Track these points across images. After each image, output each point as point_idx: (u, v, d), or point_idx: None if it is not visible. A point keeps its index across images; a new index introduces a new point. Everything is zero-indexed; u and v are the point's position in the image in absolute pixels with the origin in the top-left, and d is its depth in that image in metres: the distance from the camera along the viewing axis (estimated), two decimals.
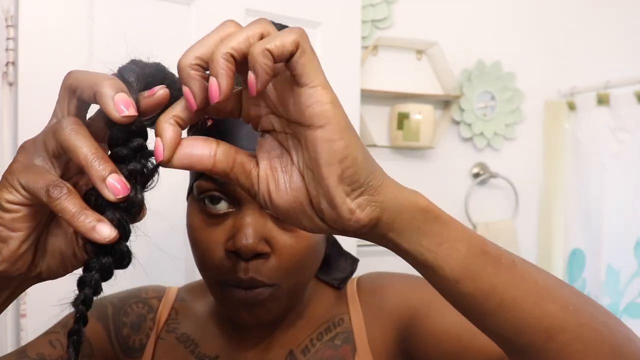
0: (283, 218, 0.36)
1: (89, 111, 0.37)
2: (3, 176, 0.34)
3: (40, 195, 0.32)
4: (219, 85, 0.30)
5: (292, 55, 0.30)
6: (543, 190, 1.71)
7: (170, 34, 1.07)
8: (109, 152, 0.34)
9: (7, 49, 0.96)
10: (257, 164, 0.35)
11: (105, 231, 0.32)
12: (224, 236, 0.51)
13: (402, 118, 1.47)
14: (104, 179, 0.32)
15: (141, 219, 0.36)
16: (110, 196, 0.32)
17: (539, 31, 1.70)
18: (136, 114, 0.32)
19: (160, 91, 0.34)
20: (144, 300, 0.64)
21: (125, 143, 0.33)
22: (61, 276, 0.40)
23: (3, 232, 0.34)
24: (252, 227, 0.49)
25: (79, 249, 0.38)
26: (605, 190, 1.55)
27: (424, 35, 1.53)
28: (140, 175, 0.34)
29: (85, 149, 0.32)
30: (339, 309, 0.62)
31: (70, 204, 0.32)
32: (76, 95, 0.34)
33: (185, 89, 0.32)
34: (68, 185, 0.33)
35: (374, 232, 0.35)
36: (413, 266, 0.37)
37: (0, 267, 0.35)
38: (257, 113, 0.35)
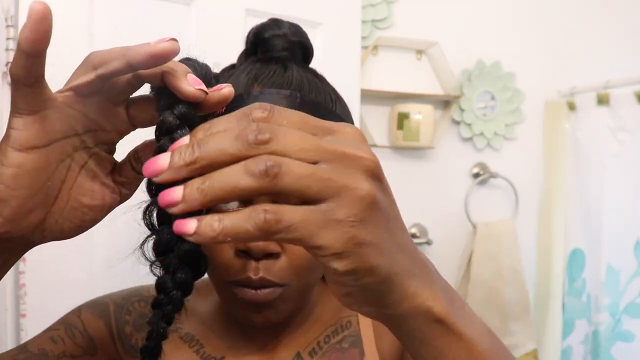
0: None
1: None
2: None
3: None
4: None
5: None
6: (543, 190, 1.71)
7: (170, 34, 1.07)
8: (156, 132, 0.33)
9: (7, 49, 0.96)
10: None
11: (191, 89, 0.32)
12: None
13: (402, 118, 1.47)
14: (185, 73, 0.32)
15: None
16: (189, 89, 0.31)
17: (539, 31, 1.70)
18: (207, 91, 0.32)
19: (227, 88, 0.33)
20: (146, 298, 0.63)
21: (190, 121, 0.32)
22: (69, 238, 0.37)
23: (3, 190, 0.31)
24: None
25: (111, 195, 0.36)
26: (605, 190, 1.55)
27: (424, 35, 1.53)
28: None
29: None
30: (347, 311, 0.61)
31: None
32: (100, 71, 0.33)
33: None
34: None
35: (375, 318, 0.34)
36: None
37: (1, 228, 0.32)
38: None
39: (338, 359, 0.57)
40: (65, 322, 0.59)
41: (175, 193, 0.27)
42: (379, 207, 0.29)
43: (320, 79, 0.57)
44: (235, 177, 0.26)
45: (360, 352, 0.57)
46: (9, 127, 0.32)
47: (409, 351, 0.34)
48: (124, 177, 0.38)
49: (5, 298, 0.97)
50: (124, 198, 0.39)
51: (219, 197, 0.26)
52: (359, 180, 0.28)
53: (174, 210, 0.27)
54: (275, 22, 0.58)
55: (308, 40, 0.60)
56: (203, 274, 0.35)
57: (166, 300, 0.34)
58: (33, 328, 0.93)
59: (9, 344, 0.96)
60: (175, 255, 0.33)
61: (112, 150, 0.39)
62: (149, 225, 0.35)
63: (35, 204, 0.33)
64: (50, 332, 0.58)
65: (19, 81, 0.31)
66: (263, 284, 0.49)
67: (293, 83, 0.52)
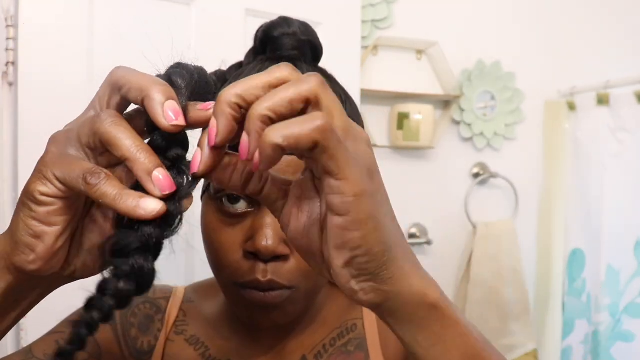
0: (296, 249, 0.35)
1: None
2: (36, 168, 0.33)
3: (78, 185, 0.31)
4: (249, 147, 0.29)
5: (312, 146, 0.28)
6: (543, 190, 1.71)
7: (170, 34, 1.07)
8: None
9: (7, 49, 0.96)
10: (286, 195, 0.34)
11: (150, 205, 0.31)
12: (242, 237, 0.49)
13: (402, 118, 1.47)
14: (149, 172, 0.31)
15: (174, 234, 0.34)
16: (155, 192, 0.31)
17: (539, 31, 1.70)
18: (184, 124, 0.31)
19: (212, 111, 0.32)
20: (151, 300, 0.62)
21: (165, 152, 0.32)
22: (95, 274, 0.38)
23: (38, 227, 0.33)
24: (272, 228, 0.47)
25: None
26: (605, 190, 1.55)
27: (424, 35, 1.53)
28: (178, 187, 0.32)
29: (129, 142, 0.31)
30: (352, 314, 0.60)
31: (109, 187, 0.30)
32: (121, 93, 0.33)
33: (212, 121, 0.31)
34: (105, 170, 0.31)
35: (374, 310, 0.34)
36: (405, 349, 0.36)
37: (34, 265, 0.33)
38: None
39: None
40: (69, 323, 0.58)
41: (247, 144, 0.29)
42: (379, 172, 0.32)
43: (331, 79, 0.57)
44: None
45: (366, 356, 0.57)
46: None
47: (407, 342, 0.34)
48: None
49: None
50: None
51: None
52: (365, 143, 0.32)
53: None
54: (285, 21, 0.58)
55: (318, 39, 0.60)
56: (143, 293, 0.33)
57: (98, 304, 0.32)
58: (33, 328, 0.93)
59: (9, 344, 0.96)
60: (129, 263, 0.32)
61: None
62: (117, 222, 0.34)
63: (64, 241, 0.34)
64: (55, 335, 0.57)
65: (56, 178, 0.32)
66: (271, 286, 0.48)
67: None
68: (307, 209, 0.33)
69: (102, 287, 0.32)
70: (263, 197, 0.34)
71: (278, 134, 0.27)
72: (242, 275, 0.49)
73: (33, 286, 0.37)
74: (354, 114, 0.56)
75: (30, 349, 0.55)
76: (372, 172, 0.31)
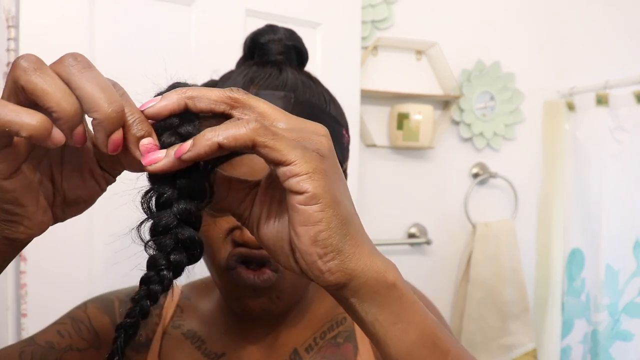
0: (264, 248, 0.37)
1: None
2: None
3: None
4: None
5: (249, 147, 0.32)
6: (542, 190, 1.72)
7: (170, 34, 1.07)
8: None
9: (8, 49, 0.96)
10: (256, 192, 0.38)
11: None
12: (230, 227, 0.53)
13: (402, 118, 1.48)
14: (137, 142, 0.33)
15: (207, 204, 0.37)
16: (137, 159, 0.33)
17: (538, 31, 1.70)
18: (151, 167, 0.33)
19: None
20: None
21: (177, 128, 0.34)
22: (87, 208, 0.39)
23: (15, 209, 0.33)
24: None
25: (101, 179, 0.37)
26: (605, 190, 1.55)
27: (423, 35, 1.53)
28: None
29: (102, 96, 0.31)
30: (341, 308, 0.62)
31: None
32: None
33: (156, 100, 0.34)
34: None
35: (339, 293, 0.36)
36: (365, 334, 0.38)
37: (24, 234, 0.34)
38: None
39: (333, 353, 0.59)
40: (71, 317, 0.60)
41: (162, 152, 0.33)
42: (334, 156, 0.35)
43: (315, 81, 0.59)
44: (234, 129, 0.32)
45: (354, 347, 0.59)
46: None
47: (368, 322, 0.36)
48: (107, 160, 0.37)
49: (7, 298, 0.97)
50: (116, 175, 0.39)
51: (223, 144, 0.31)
52: (318, 134, 0.35)
53: (159, 165, 0.32)
54: (271, 28, 0.61)
55: (303, 44, 0.63)
56: (197, 259, 0.36)
57: (156, 279, 0.35)
58: (34, 327, 0.94)
59: (9, 344, 0.97)
60: (173, 237, 0.34)
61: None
62: (148, 209, 0.35)
63: (42, 208, 0.35)
64: (57, 326, 0.59)
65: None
66: (261, 257, 0.51)
67: (288, 85, 0.55)
68: (276, 202, 0.37)
69: (154, 264, 0.35)
70: (228, 202, 0.38)
71: (220, 134, 0.31)
72: (232, 254, 0.52)
73: (22, 246, 0.37)
74: (337, 113, 0.59)
75: (32, 337, 0.58)
76: (323, 154, 0.34)
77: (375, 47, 1.50)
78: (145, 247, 0.35)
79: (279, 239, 0.36)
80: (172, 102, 0.33)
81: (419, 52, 1.57)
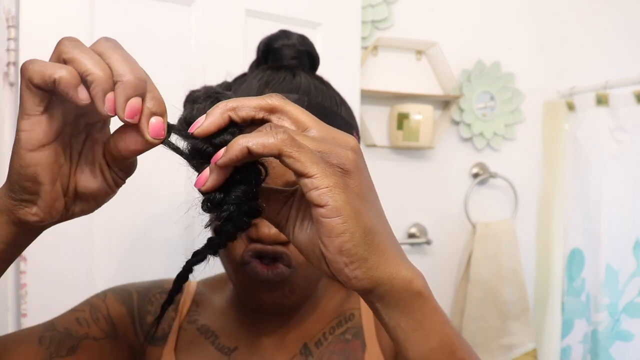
0: (300, 251, 0.39)
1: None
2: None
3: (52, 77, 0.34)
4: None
5: (276, 155, 0.34)
6: (542, 190, 1.72)
7: (170, 34, 1.07)
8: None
9: (8, 49, 0.96)
10: (292, 201, 0.40)
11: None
12: None
13: (402, 118, 1.48)
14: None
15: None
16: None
17: (538, 31, 1.70)
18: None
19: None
20: (167, 290, 0.66)
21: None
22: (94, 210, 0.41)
23: (29, 157, 0.35)
24: None
25: (110, 178, 0.40)
26: (605, 190, 1.55)
27: (423, 35, 1.53)
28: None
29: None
30: (350, 304, 0.65)
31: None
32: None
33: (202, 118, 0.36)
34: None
35: (365, 297, 0.37)
36: (388, 335, 0.39)
37: (36, 217, 0.37)
38: None
39: (342, 349, 0.60)
40: (90, 305, 0.62)
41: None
42: (359, 169, 0.36)
43: (326, 84, 0.62)
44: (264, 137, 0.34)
45: (362, 343, 0.61)
46: (19, 129, 0.36)
47: (391, 327, 0.38)
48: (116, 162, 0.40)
49: (7, 298, 0.97)
50: (129, 174, 0.41)
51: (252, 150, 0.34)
52: (346, 148, 0.36)
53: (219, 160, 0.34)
54: (284, 33, 0.63)
55: (314, 49, 0.65)
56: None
57: (232, 218, 0.37)
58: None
59: None
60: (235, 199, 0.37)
61: (106, 130, 0.41)
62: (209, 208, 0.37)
63: (57, 193, 0.37)
64: (76, 313, 0.61)
65: (32, 82, 0.34)
66: (275, 252, 0.53)
67: (301, 88, 0.57)
68: (308, 216, 0.39)
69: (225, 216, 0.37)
70: (267, 211, 0.40)
71: (250, 140, 0.33)
72: (247, 250, 0.54)
73: (35, 233, 0.40)
74: (348, 116, 0.62)
75: (52, 322, 0.59)
76: (347, 170, 0.35)
77: (375, 47, 1.50)
78: (215, 213, 0.37)
79: (311, 244, 0.38)
80: (216, 118, 0.35)
81: (419, 52, 1.57)
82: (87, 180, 0.39)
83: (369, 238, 0.35)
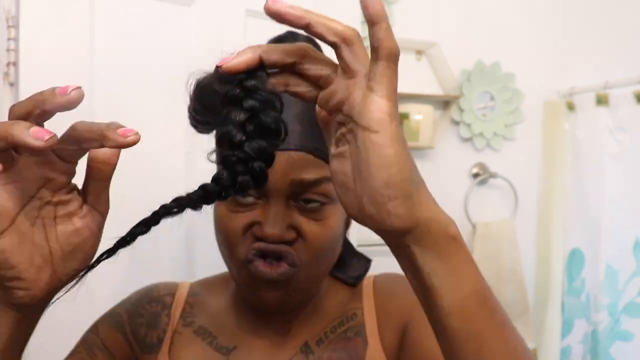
0: (333, 182, 0.38)
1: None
2: None
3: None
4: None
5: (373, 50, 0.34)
6: (542, 190, 1.72)
7: (170, 34, 1.07)
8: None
9: (8, 49, 0.96)
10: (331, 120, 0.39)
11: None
12: (251, 221, 0.54)
13: (402, 118, 1.48)
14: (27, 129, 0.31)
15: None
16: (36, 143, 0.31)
17: (538, 31, 1.70)
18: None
19: (133, 137, 0.33)
20: (156, 298, 0.66)
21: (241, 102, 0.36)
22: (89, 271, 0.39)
23: (8, 272, 0.35)
24: (278, 217, 0.52)
25: (84, 215, 0.38)
26: (605, 190, 1.55)
27: (423, 35, 1.53)
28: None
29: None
30: (352, 304, 0.64)
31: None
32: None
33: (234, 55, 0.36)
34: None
35: (400, 241, 0.36)
36: (415, 284, 0.38)
37: (27, 298, 0.36)
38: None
39: (343, 347, 0.60)
40: (85, 344, 0.62)
41: None
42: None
43: None
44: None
45: (364, 341, 0.60)
46: None
47: (426, 272, 0.36)
48: (92, 195, 0.38)
49: None
50: (105, 213, 0.40)
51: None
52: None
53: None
54: (291, 34, 0.63)
55: (322, 51, 0.65)
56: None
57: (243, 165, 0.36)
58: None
59: None
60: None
61: (72, 186, 0.38)
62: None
63: (37, 267, 0.36)
64: (74, 357, 0.61)
65: None
66: (278, 251, 0.52)
67: None
68: (346, 141, 0.36)
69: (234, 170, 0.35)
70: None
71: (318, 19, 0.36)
72: (251, 248, 0.53)
73: (40, 309, 0.39)
74: None
75: None
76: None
77: None
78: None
79: (343, 175, 0.36)
80: (247, 56, 0.35)
81: (419, 52, 1.57)
82: (69, 235, 0.37)
83: (415, 174, 0.35)
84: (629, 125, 1.53)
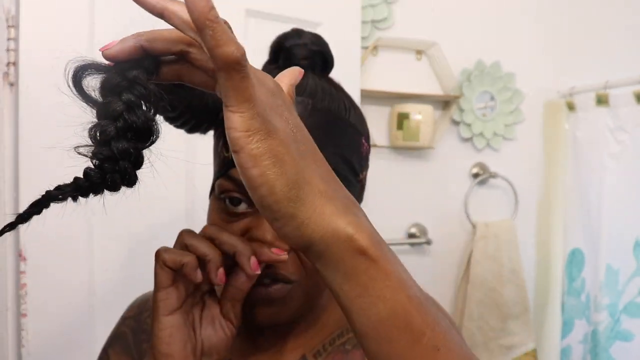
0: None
1: None
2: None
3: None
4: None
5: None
6: (542, 190, 1.72)
7: None
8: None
9: (8, 49, 0.96)
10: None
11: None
12: (242, 232, 0.52)
13: (402, 118, 1.48)
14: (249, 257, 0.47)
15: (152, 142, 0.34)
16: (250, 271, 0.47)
17: (538, 31, 1.70)
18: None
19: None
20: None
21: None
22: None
23: (165, 348, 0.46)
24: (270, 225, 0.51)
25: (226, 327, 0.50)
26: (605, 190, 1.55)
27: (423, 35, 1.53)
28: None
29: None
30: None
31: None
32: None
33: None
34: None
35: (307, 257, 0.33)
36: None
37: None
38: None
39: (341, 359, 0.58)
40: None
41: None
42: (290, 113, 0.33)
43: (336, 87, 0.59)
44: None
45: (362, 353, 0.58)
46: (157, 300, 0.46)
47: (334, 291, 0.33)
48: (225, 308, 0.50)
49: (7, 298, 0.97)
50: (237, 325, 0.51)
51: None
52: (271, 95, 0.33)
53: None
54: (296, 32, 0.61)
55: (328, 49, 0.62)
56: (150, 140, 0.34)
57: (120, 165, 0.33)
58: (34, 328, 0.94)
59: (9, 344, 0.97)
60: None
61: (215, 296, 0.52)
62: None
63: (186, 355, 0.46)
64: None
65: (165, 264, 0.46)
66: (274, 277, 0.51)
67: (307, 90, 0.54)
68: None
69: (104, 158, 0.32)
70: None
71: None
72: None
73: None
74: (358, 121, 0.58)
75: None
76: (276, 112, 0.32)
77: (375, 47, 1.50)
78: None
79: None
80: (128, 44, 0.32)
81: (419, 52, 1.57)
82: (211, 336, 0.49)
83: (293, 192, 0.30)
84: (629, 125, 1.53)
